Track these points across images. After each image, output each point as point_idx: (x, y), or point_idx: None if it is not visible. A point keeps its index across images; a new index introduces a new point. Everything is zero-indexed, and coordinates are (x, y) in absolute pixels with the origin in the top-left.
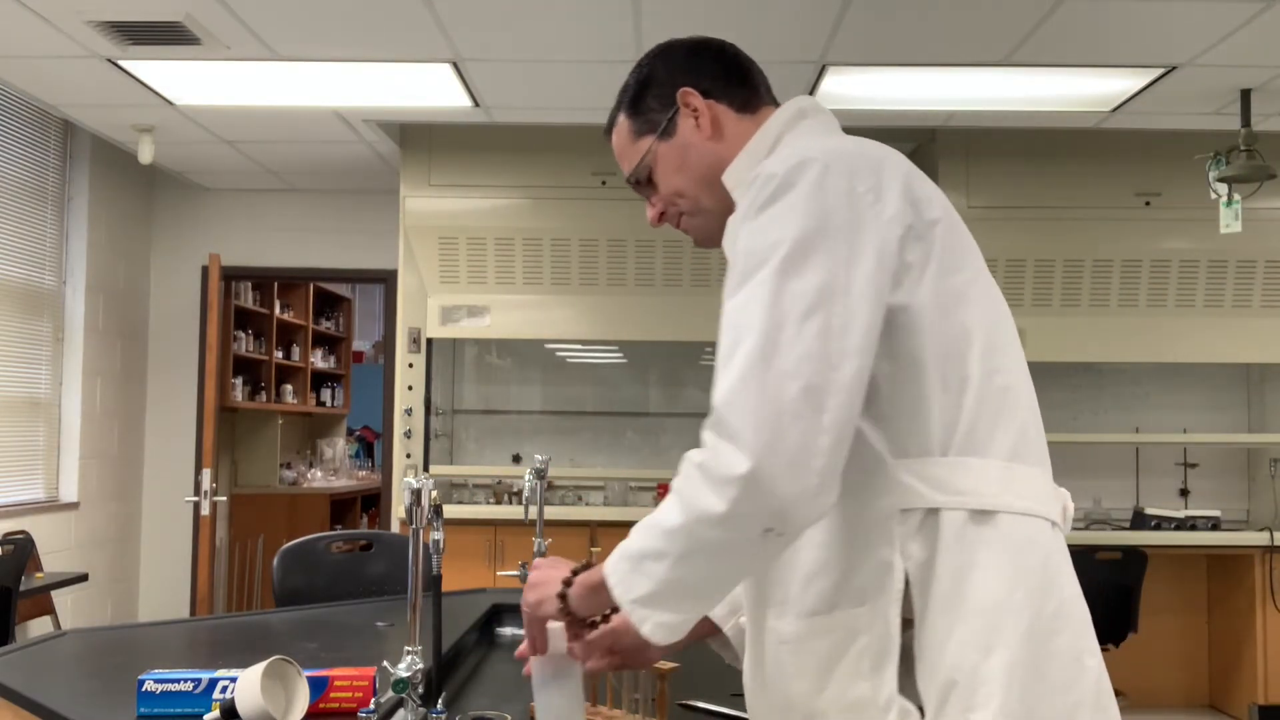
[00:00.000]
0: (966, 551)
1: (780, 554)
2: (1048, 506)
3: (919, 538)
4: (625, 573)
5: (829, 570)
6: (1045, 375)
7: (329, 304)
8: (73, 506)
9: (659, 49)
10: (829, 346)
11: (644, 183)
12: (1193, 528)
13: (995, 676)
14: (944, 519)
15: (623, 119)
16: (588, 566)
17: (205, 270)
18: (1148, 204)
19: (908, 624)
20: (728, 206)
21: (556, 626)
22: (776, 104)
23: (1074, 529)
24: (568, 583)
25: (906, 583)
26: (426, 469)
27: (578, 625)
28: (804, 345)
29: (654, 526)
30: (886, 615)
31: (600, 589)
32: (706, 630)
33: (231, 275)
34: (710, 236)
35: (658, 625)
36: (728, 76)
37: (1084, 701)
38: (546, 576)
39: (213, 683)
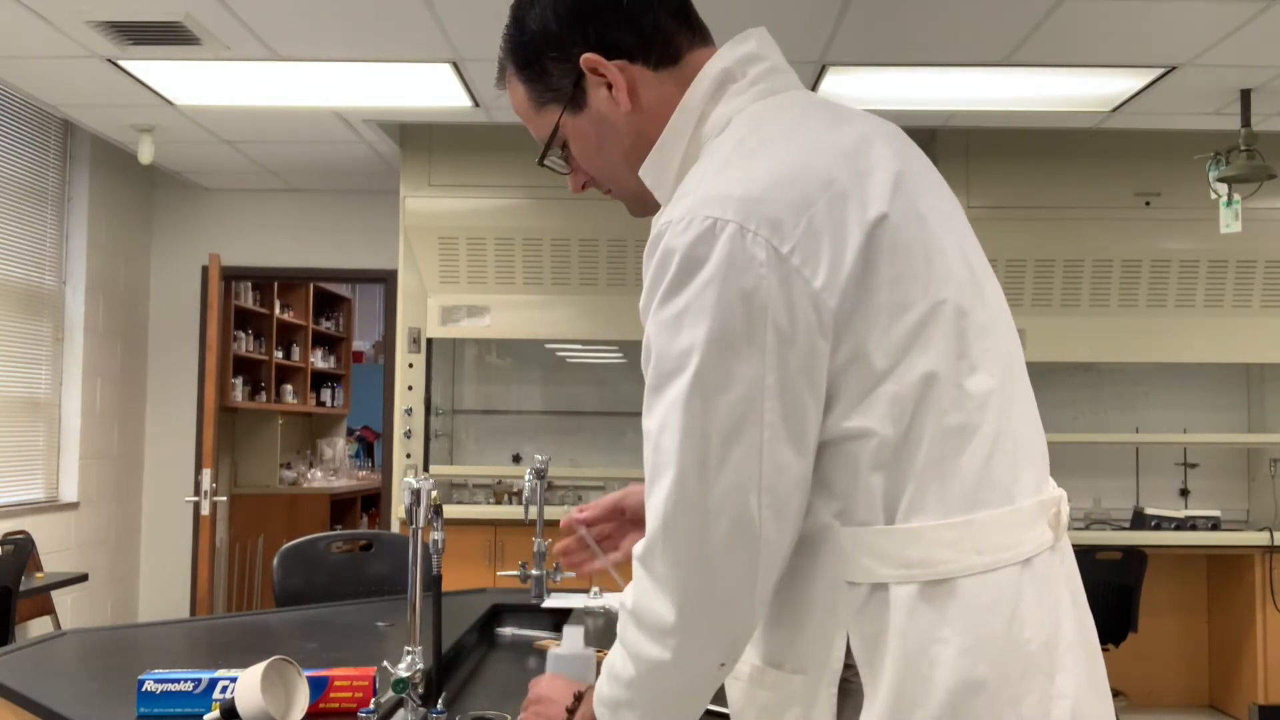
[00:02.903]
0: (922, 629)
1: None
2: (1019, 545)
3: (866, 613)
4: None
5: (779, 626)
6: (1045, 375)
7: (329, 304)
8: (73, 506)
9: None
10: (760, 467)
11: (559, 154)
12: (1193, 528)
13: None
14: (894, 595)
15: (517, 82)
16: (580, 698)
17: (205, 270)
18: (1148, 204)
19: (852, 694)
20: None
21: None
22: (706, 40)
23: (1074, 529)
24: (571, 711)
25: (849, 657)
26: (426, 469)
27: None
28: (729, 476)
29: (615, 677)
30: (821, 694)
31: None
32: None
33: (231, 275)
34: (646, 207)
35: None
36: (635, 18)
37: None
38: (550, 695)
39: (213, 683)
